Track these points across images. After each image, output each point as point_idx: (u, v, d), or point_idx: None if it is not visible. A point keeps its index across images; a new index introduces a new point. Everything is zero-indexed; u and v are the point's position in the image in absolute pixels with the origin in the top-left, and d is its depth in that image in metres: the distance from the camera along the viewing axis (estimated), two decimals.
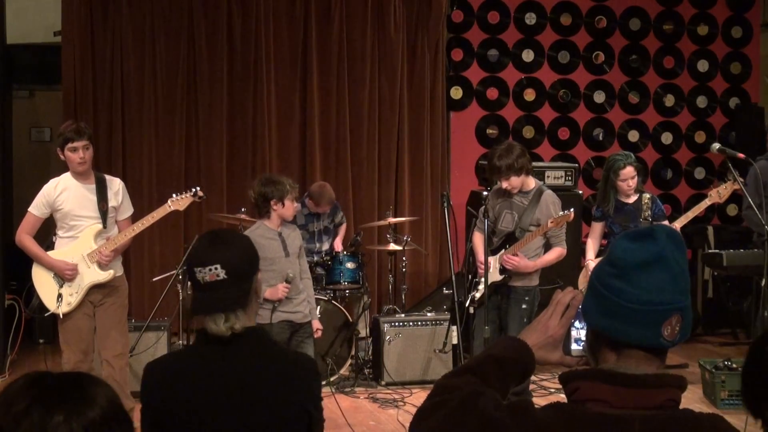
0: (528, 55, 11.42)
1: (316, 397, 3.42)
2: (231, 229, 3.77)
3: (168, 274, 8.80)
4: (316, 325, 7.33)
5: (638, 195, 8.18)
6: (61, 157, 6.83)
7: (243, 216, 8.87)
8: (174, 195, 7.14)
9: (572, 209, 7.26)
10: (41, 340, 10.13)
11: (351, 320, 8.91)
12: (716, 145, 6.90)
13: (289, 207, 6.99)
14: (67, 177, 6.89)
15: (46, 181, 6.98)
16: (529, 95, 11.45)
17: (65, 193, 6.82)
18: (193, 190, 7.13)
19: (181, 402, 3.23)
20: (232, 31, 10.47)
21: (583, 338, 2.36)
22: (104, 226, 6.90)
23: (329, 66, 10.69)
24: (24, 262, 10.60)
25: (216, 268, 3.22)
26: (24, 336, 9.31)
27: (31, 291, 7.05)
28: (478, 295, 7.53)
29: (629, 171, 8.10)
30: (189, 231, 9.89)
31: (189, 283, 3.48)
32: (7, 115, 10.17)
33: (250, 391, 3.25)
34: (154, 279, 9.28)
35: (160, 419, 3.24)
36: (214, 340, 3.26)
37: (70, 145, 6.72)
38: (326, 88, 10.70)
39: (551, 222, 7.20)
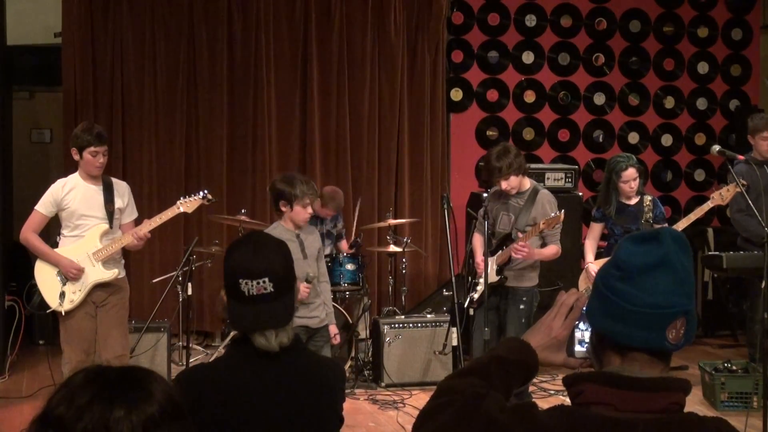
0: (528, 57, 11.41)
1: (343, 398, 3.44)
2: (265, 233, 3.70)
3: (168, 275, 8.81)
4: (334, 330, 7.29)
5: (639, 197, 8.21)
6: (76, 157, 6.84)
7: (243, 217, 8.87)
8: (182, 197, 7.16)
9: (562, 210, 7.27)
10: (41, 341, 10.13)
11: (351, 322, 8.91)
12: (716, 147, 6.89)
13: (299, 212, 6.84)
14: (74, 177, 6.92)
15: (46, 182, 7.00)
16: (529, 97, 11.44)
17: (72, 193, 6.86)
18: (202, 193, 7.16)
19: (226, 412, 3.16)
20: (233, 33, 10.46)
21: (587, 340, 2.35)
22: (110, 227, 6.93)
23: (329, 68, 10.68)
24: (24, 263, 10.63)
25: (264, 282, 3.13)
26: (24, 337, 9.31)
27: (33, 288, 7.05)
28: (476, 296, 7.55)
29: (631, 172, 8.11)
30: (189, 232, 9.89)
31: (222, 291, 3.33)
32: (8, 116, 10.17)
33: (294, 400, 3.23)
34: (154, 280, 9.28)
35: (202, 429, 3.18)
36: (263, 354, 3.19)
37: (91, 149, 6.74)
38: (326, 90, 10.70)
39: (543, 223, 7.21)
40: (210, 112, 10.41)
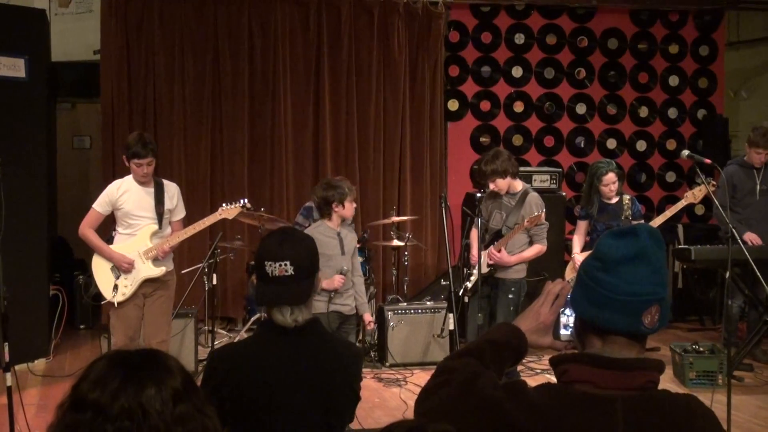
0: (517, 72, 11.39)
1: (360, 378, 3.44)
2: (295, 228, 3.76)
3: (195, 267, 8.81)
4: (368, 318, 7.31)
5: (619, 197, 8.22)
6: (126, 164, 6.82)
7: (262, 215, 8.87)
8: (224, 204, 7.19)
9: (543, 210, 7.31)
10: (82, 326, 10.15)
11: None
12: (686, 152, 6.87)
13: (349, 207, 6.93)
14: (129, 179, 6.90)
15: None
16: (518, 107, 11.43)
17: (126, 195, 6.84)
18: (242, 201, 7.19)
19: (252, 386, 3.20)
20: (253, 50, 10.46)
21: (572, 324, 2.35)
22: (159, 227, 6.93)
23: (339, 81, 10.67)
24: (67, 256, 10.65)
25: (286, 264, 3.21)
26: (66, 322, 9.32)
27: (90, 280, 7.08)
28: (469, 285, 7.57)
29: (611, 177, 8.13)
30: (214, 228, 9.87)
31: (254, 275, 3.40)
32: (52, 125, 10.19)
33: (312, 376, 3.24)
34: (183, 271, 9.26)
35: (231, 402, 3.18)
36: (279, 330, 3.24)
37: (136, 160, 6.71)
38: (337, 101, 10.69)
39: (526, 222, 7.24)
40: (233, 120, 10.41)
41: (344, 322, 7.02)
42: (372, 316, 8.00)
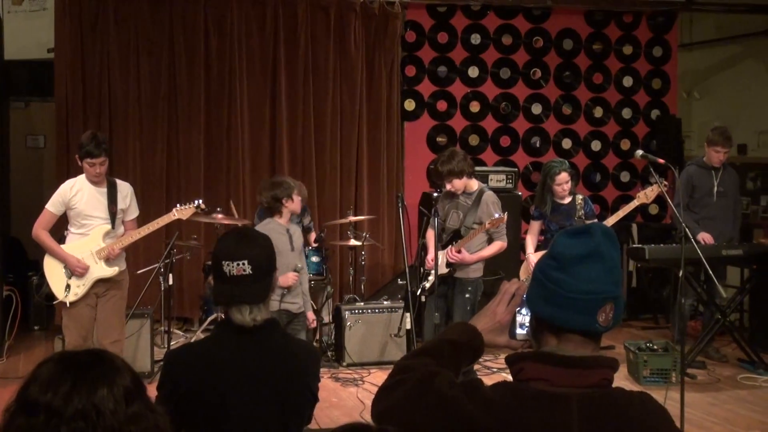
0: (473, 72, 11.43)
1: (318, 378, 3.44)
2: (254, 229, 3.76)
3: (151, 267, 8.74)
4: (311, 316, 7.31)
5: (572, 197, 8.27)
6: (79, 163, 6.77)
7: (218, 216, 8.82)
8: (178, 205, 7.16)
9: (506, 213, 7.36)
10: (36, 327, 10.04)
11: (315, 308, 8.89)
12: (639, 152, 6.93)
13: (297, 200, 7.03)
14: (81, 179, 6.85)
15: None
16: (475, 107, 11.46)
17: (79, 194, 6.79)
18: (197, 202, 7.16)
19: (209, 386, 3.18)
20: (209, 48, 10.40)
21: (527, 323, 2.36)
22: (112, 227, 6.89)
23: (296, 80, 10.64)
24: (20, 257, 10.53)
25: (243, 264, 3.21)
26: (20, 323, 9.22)
27: (42, 280, 7.03)
28: (428, 285, 7.58)
29: (564, 176, 8.17)
30: (170, 229, 9.81)
31: (211, 275, 3.37)
32: (5, 124, 10.06)
33: (269, 376, 3.22)
34: (138, 272, 9.19)
35: (188, 402, 3.16)
36: (237, 330, 3.23)
37: (88, 159, 6.67)
38: (293, 100, 10.65)
39: (488, 223, 7.27)
40: (188, 120, 10.34)
41: (292, 320, 7.01)
42: (330, 314, 8.04)
